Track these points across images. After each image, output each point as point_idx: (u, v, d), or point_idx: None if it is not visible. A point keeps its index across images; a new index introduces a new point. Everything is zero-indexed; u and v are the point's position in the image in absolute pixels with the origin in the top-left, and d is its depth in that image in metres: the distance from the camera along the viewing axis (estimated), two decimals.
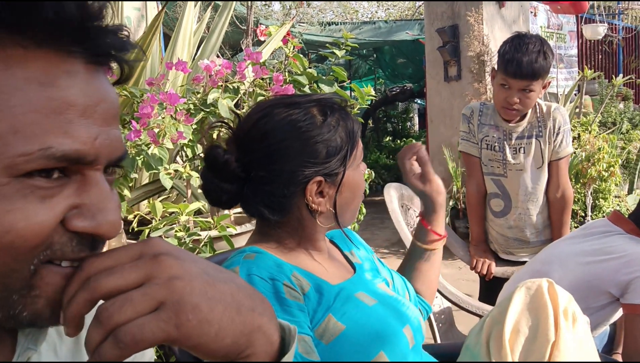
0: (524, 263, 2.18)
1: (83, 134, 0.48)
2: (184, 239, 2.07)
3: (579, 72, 6.86)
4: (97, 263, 0.47)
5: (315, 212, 1.01)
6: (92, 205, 0.50)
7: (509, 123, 2.10)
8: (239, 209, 2.85)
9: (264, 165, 0.98)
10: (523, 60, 1.92)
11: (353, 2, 15.38)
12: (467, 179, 2.23)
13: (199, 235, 2.12)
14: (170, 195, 3.04)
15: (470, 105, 2.22)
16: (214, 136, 2.44)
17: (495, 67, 2.08)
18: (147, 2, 3.80)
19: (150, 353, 0.75)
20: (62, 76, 0.48)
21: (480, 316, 1.89)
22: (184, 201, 2.54)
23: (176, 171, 2.27)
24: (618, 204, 4.86)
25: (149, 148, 2.12)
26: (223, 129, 1.06)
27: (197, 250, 2.08)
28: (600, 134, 5.05)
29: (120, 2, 3.60)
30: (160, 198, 2.89)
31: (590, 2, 7.08)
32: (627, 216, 1.76)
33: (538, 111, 2.09)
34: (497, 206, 2.20)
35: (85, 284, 0.46)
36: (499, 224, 2.22)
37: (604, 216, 3.56)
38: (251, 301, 0.51)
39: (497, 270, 2.21)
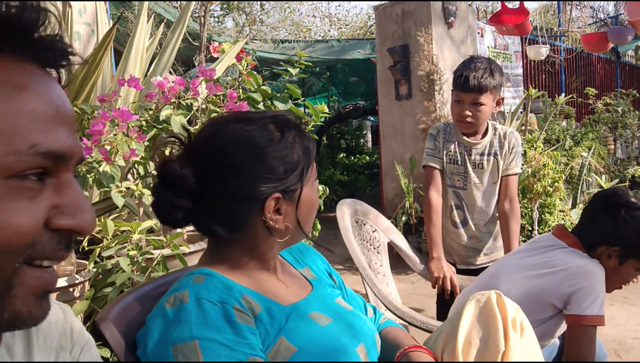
0: (481, 269, 2.28)
1: (60, 134, 0.52)
2: (137, 258, 2.04)
3: (524, 91, 7.12)
4: None
5: (272, 229, 0.98)
6: (71, 204, 0.53)
7: (469, 140, 2.28)
8: (192, 228, 2.83)
9: (220, 181, 0.95)
10: (470, 75, 2.13)
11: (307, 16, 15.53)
12: (427, 188, 2.30)
13: (152, 254, 2.08)
14: (122, 213, 2.97)
15: (436, 125, 2.38)
16: (167, 153, 2.42)
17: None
18: (98, 18, 3.73)
19: (95, 353, 0.74)
20: (32, 81, 0.51)
21: (426, 330, 1.92)
22: (136, 220, 2.50)
23: (128, 188, 2.23)
24: (563, 219, 5.04)
25: (100, 166, 2.08)
26: (175, 146, 1.03)
27: (150, 268, 2.05)
28: (544, 150, 5.25)
29: (69, 17, 3.53)
30: (112, 217, 2.83)
31: (534, 24, 7.39)
32: (570, 230, 1.83)
33: (497, 133, 2.29)
34: (458, 216, 2.33)
35: None
36: (459, 235, 2.34)
37: (549, 230, 3.70)
38: None
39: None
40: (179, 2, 8.89)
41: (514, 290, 1.66)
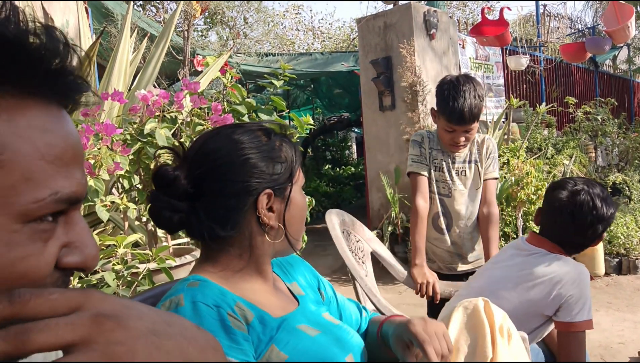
0: (464, 275, 2.35)
1: (77, 176, 0.52)
2: (122, 272, 2.02)
3: (506, 100, 7.21)
4: (30, 305, 0.42)
5: (266, 227, 1.02)
6: (78, 242, 0.53)
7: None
8: (178, 241, 2.81)
9: (215, 177, 0.99)
10: (464, 109, 2.10)
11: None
12: (414, 195, 2.30)
13: (138, 268, 2.07)
14: (107, 228, 2.95)
15: (419, 132, 2.39)
16: (152, 166, 2.41)
17: (435, 107, 2.27)
18: (81, 33, 3.72)
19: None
20: (53, 121, 0.51)
21: None
22: (121, 234, 2.48)
23: (113, 202, 2.21)
24: None
25: None
26: (171, 157, 1.05)
27: (136, 283, 2.03)
28: (527, 159, 5.31)
29: None
30: (97, 231, 2.80)
31: (513, 35, 7.50)
32: (539, 231, 1.84)
33: (475, 141, 2.33)
34: (443, 223, 2.36)
35: (12, 333, 0.40)
36: (443, 241, 2.37)
37: None
38: (202, 354, 0.49)
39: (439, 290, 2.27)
40: (162, 16, 8.89)
41: (505, 305, 1.65)
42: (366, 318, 1.29)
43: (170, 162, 1.05)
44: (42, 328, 0.41)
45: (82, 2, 3.95)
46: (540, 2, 9.87)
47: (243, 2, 10.35)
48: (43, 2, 3.58)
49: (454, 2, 13.43)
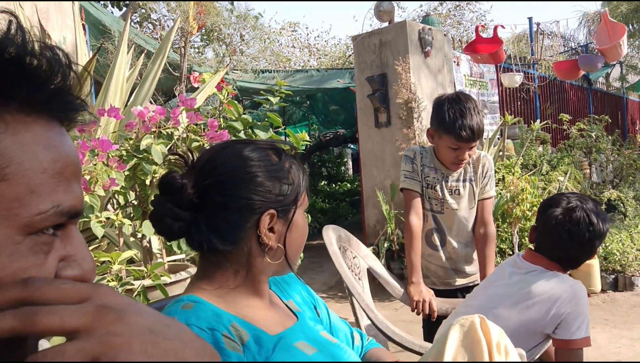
0: (459, 290, 2.36)
1: (77, 191, 0.54)
2: (117, 289, 2.00)
3: (500, 117, 7.25)
4: (42, 291, 0.45)
5: (265, 246, 1.01)
6: (76, 255, 0.54)
7: (446, 168, 2.28)
8: (174, 257, 2.79)
9: (221, 191, 0.98)
10: (473, 126, 2.10)
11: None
12: (407, 213, 2.29)
13: (132, 285, 2.06)
14: (102, 244, 2.93)
15: (411, 148, 2.38)
16: (147, 182, 2.41)
17: (432, 128, 2.24)
18: (78, 49, 3.73)
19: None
20: (56, 138, 0.53)
21: (418, 352, 1.92)
22: (116, 250, 2.46)
23: (108, 218, 2.21)
24: None
25: None
26: (180, 165, 1.04)
27: None
28: (522, 175, 5.33)
29: None
30: (91, 247, 2.79)
31: (507, 53, 7.56)
32: (534, 248, 1.84)
33: (470, 158, 2.28)
34: (436, 239, 2.36)
35: (21, 312, 0.44)
36: (437, 257, 2.37)
37: None
38: (198, 358, 0.50)
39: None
40: (159, 33, 8.94)
41: (506, 325, 1.64)
42: (360, 346, 1.27)
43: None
44: (50, 311, 0.44)
45: (80, 6, 3.97)
46: (534, 21, 9.98)
47: (240, 15, 10.42)
48: (40, 18, 3.60)
49: (449, 21, 13.57)
